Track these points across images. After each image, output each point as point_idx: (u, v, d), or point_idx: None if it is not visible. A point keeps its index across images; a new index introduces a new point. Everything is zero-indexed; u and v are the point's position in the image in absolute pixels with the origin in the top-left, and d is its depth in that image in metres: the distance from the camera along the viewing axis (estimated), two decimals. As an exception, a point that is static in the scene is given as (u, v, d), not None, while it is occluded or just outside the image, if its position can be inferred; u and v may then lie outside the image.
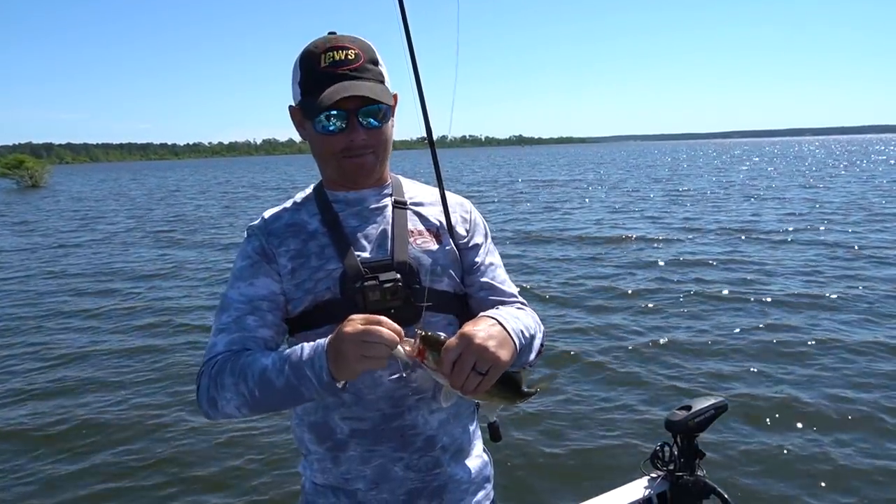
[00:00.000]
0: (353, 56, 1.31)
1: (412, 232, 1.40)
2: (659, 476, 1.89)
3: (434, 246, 1.41)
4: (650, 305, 7.95)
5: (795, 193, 22.25)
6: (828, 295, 8.11)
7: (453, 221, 1.45)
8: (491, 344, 1.15)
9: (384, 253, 1.36)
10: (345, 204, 1.42)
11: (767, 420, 4.76)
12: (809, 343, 6.36)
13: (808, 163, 48.75)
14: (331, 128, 1.32)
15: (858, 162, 46.84)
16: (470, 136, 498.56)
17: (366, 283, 1.29)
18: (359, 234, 1.38)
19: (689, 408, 1.83)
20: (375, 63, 1.35)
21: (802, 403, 4.98)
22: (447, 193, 1.47)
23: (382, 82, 1.35)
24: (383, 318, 1.12)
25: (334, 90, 1.27)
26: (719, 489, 1.83)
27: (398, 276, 1.31)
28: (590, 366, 6.00)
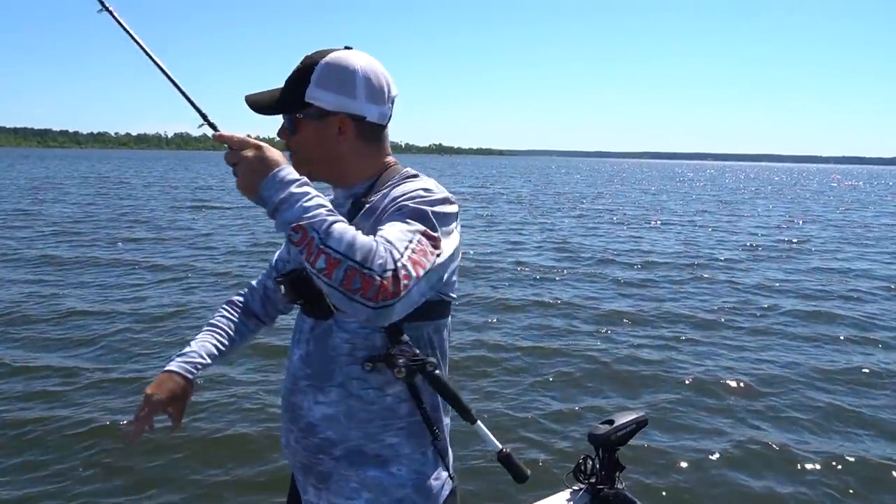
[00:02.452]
0: (297, 66, 1.52)
1: None
2: (581, 489, 1.93)
3: None
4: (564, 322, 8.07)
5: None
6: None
7: (382, 207, 1.46)
8: (246, 169, 1.29)
9: None
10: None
11: (686, 433, 5.01)
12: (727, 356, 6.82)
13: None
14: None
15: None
16: (390, 142, 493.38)
17: (277, 278, 1.59)
18: None
19: (611, 422, 1.89)
20: (305, 76, 1.49)
21: (720, 420, 5.28)
22: (407, 185, 1.48)
23: (293, 95, 1.50)
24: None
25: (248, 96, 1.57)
26: (638, 503, 1.89)
27: (292, 273, 1.51)
28: (514, 372, 6.17)
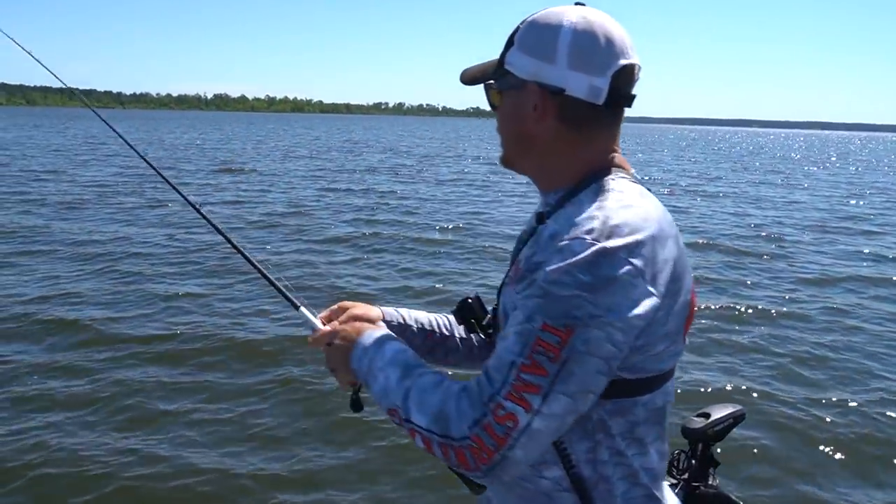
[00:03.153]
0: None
1: (517, 260, 1.21)
2: (674, 484, 1.71)
3: (509, 284, 1.19)
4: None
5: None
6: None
7: (528, 258, 1.12)
8: (334, 352, 1.25)
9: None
10: None
11: (782, 431, 4.55)
12: (830, 353, 6.09)
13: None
14: None
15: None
16: (427, 104, 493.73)
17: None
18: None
19: (707, 415, 1.74)
20: (511, 39, 1.18)
21: (819, 416, 4.77)
22: (573, 217, 1.07)
23: (501, 55, 1.19)
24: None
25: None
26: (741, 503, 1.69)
27: (469, 299, 1.33)
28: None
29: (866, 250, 11.14)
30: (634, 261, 1.00)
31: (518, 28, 1.16)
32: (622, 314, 0.98)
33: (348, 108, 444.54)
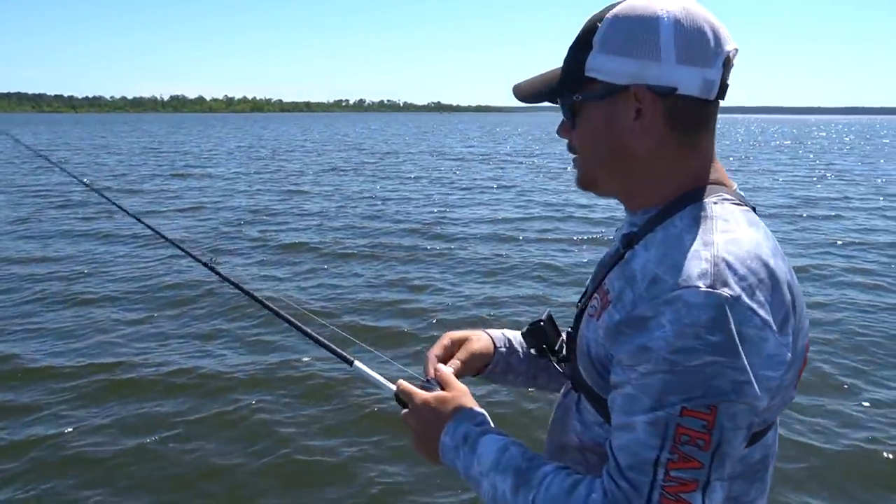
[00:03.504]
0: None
1: (601, 287, 1.04)
2: None
3: (593, 315, 1.03)
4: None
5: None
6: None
7: (615, 291, 0.97)
8: (418, 437, 1.16)
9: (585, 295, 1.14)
10: None
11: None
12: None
13: None
14: None
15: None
16: (388, 100, 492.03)
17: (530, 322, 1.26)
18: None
19: None
20: (584, 42, 1.00)
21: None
22: (673, 254, 0.92)
23: (569, 71, 1.02)
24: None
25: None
26: None
27: (541, 321, 1.23)
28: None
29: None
30: (760, 311, 0.86)
31: (592, 28, 1.00)
32: (759, 376, 0.86)
33: (309, 107, 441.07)
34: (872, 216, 13.29)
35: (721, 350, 0.83)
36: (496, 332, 1.35)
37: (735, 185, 1.04)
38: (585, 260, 9.17)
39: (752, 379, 0.84)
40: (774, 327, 0.87)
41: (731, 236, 0.91)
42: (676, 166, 1.00)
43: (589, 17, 1.02)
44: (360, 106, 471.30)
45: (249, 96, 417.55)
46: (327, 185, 18.07)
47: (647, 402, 0.86)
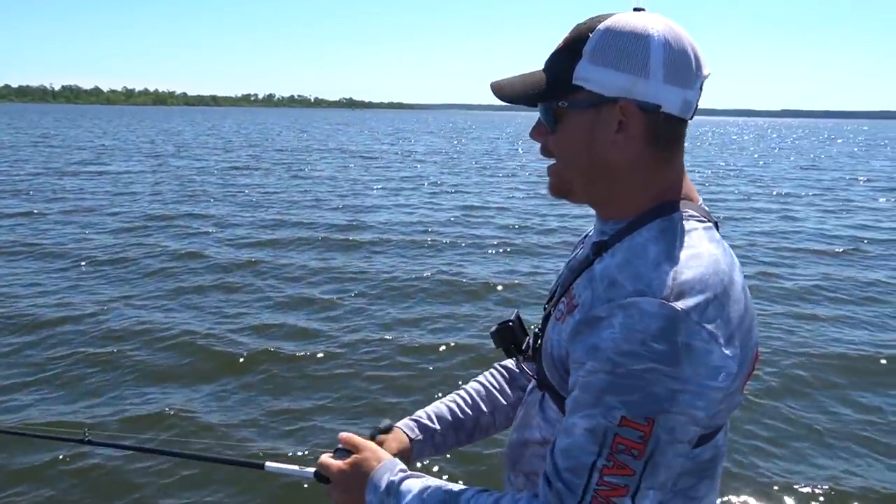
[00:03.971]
0: (562, 41, 1.06)
1: (568, 291, 1.09)
2: None
3: (559, 319, 1.08)
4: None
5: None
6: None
7: (581, 297, 1.03)
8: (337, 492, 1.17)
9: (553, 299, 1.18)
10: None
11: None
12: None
13: None
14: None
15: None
16: (299, 95, 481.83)
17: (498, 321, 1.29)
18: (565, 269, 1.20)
19: None
20: (573, 50, 1.02)
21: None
22: (633, 264, 0.98)
23: (556, 76, 1.04)
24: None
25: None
26: None
27: (510, 322, 1.27)
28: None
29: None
30: (708, 325, 0.91)
31: (581, 37, 1.02)
32: (702, 387, 0.90)
33: (215, 101, 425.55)
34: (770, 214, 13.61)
35: (663, 359, 0.88)
36: (407, 423, 1.39)
37: (700, 200, 1.09)
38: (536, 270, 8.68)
39: (691, 389, 0.89)
40: (721, 340, 0.92)
41: (692, 252, 0.97)
42: (651, 180, 1.04)
43: (576, 26, 1.05)
44: (269, 101, 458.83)
45: (151, 88, 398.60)
46: (231, 186, 16.90)
47: (588, 400, 0.91)
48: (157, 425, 4.36)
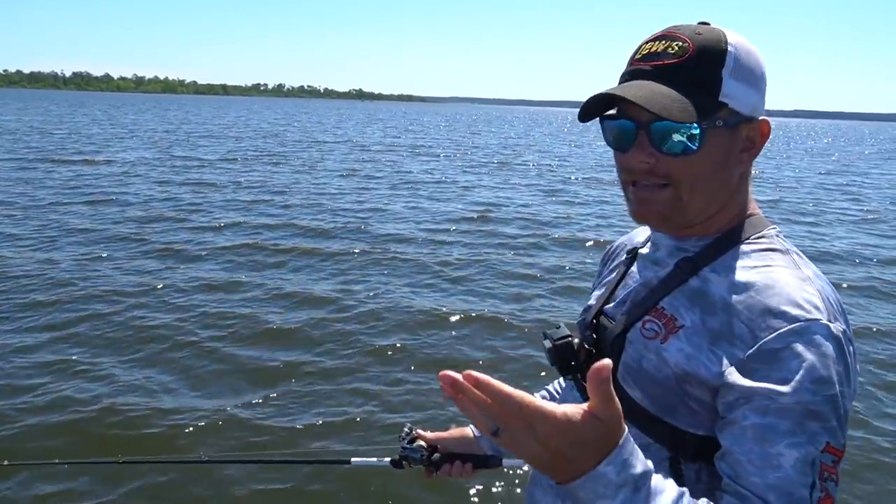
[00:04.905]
0: (675, 49, 0.96)
1: (656, 309, 1.03)
2: None
3: (653, 338, 1.01)
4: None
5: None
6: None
7: (731, 327, 0.94)
8: (549, 452, 0.76)
9: (624, 315, 1.08)
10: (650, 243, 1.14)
11: None
12: None
13: None
14: (610, 140, 1.04)
15: None
16: (308, 86, 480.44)
17: (552, 336, 1.13)
18: (628, 284, 1.13)
19: None
20: (713, 64, 0.95)
21: None
22: (777, 274, 0.95)
23: (701, 92, 0.95)
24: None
25: (602, 92, 0.99)
26: None
27: (572, 338, 1.12)
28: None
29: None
30: (853, 342, 0.94)
31: (720, 51, 0.96)
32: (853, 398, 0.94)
33: (225, 90, 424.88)
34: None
35: (844, 380, 0.89)
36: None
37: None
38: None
39: (850, 404, 0.92)
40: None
41: (814, 271, 0.98)
42: (744, 195, 1.05)
43: (693, 35, 0.97)
44: (279, 91, 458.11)
45: (161, 76, 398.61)
46: (243, 177, 16.17)
47: (789, 428, 0.86)
48: (228, 434, 4.09)
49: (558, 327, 1.14)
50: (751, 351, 0.90)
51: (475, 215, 11.85)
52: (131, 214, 10.68)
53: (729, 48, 0.95)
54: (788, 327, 0.88)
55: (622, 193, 1.06)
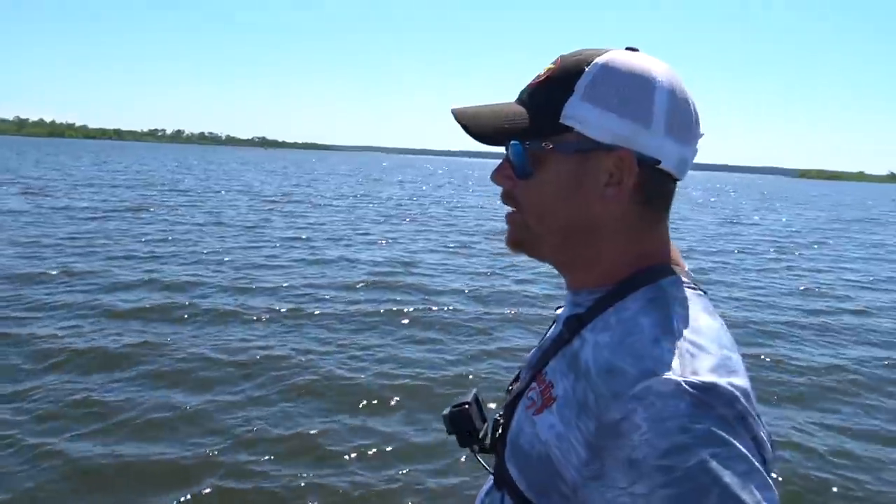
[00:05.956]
0: (543, 71, 0.90)
1: (539, 375, 0.90)
2: None
3: (530, 408, 0.89)
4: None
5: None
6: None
7: (586, 395, 0.80)
8: None
9: (523, 380, 0.96)
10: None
11: None
12: None
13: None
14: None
15: None
16: (209, 133, 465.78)
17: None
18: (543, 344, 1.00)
19: None
20: (564, 84, 0.85)
21: None
22: (636, 328, 0.81)
23: (546, 113, 0.86)
24: None
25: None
26: None
27: (466, 404, 1.05)
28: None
29: None
30: (742, 398, 0.74)
31: (574, 71, 0.86)
32: (759, 461, 0.72)
33: (119, 135, 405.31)
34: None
35: (714, 440, 0.69)
36: None
37: (686, 267, 0.94)
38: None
39: (758, 464, 0.71)
40: (753, 411, 0.75)
41: (691, 324, 0.81)
42: (635, 242, 0.89)
43: (562, 57, 0.89)
44: (178, 137, 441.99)
45: (47, 119, 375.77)
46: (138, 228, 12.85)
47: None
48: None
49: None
50: (596, 424, 0.76)
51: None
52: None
53: (587, 68, 0.85)
54: (629, 392, 0.73)
55: None
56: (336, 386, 5.53)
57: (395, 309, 8.04)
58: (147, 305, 7.63)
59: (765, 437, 0.75)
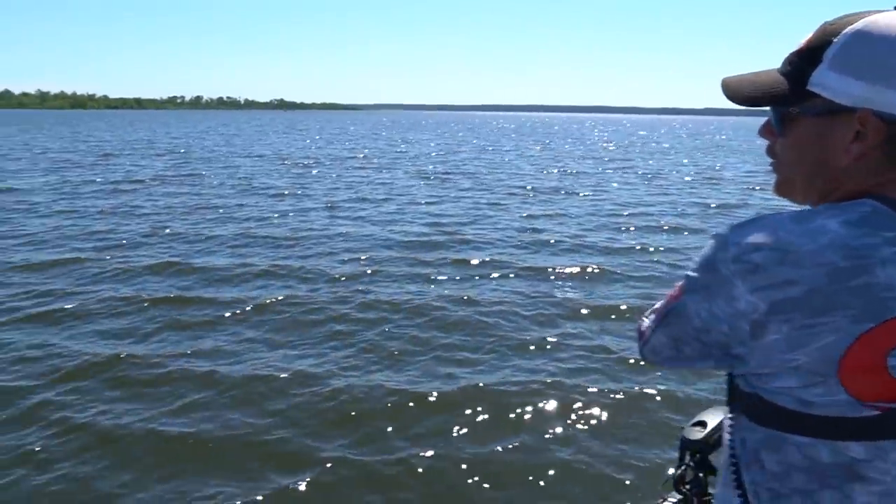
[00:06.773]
0: (804, 42, 0.97)
1: None
2: (682, 500, 1.63)
3: None
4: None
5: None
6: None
7: None
8: None
9: None
10: None
11: None
12: None
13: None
14: None
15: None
16: (228, 97, 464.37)
17: None
18: None
19: (703, 423, 1.64)
20: (816, 50, 0.94)
21: None
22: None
23: (796, 73, 0.96)
24: None
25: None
26: None
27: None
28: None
29: None
30: (746, 249, 0.90)
31: (825, 42, 0.93)
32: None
33: (139, 104, 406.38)
34: None
35: (700, 264, 0.97)
36: None
37: None
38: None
39: (687, 283, 0.99)
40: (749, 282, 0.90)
41: (790, 212, 0.95)
42: (872, 175, 0.94)
43: (823, 25, 0.96)
44: (197, 103, 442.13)
45: (69, 91, 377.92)
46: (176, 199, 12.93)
47: None
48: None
49: None
50: None
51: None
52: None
53: (836, 39, 0.91)
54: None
55: None
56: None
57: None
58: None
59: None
